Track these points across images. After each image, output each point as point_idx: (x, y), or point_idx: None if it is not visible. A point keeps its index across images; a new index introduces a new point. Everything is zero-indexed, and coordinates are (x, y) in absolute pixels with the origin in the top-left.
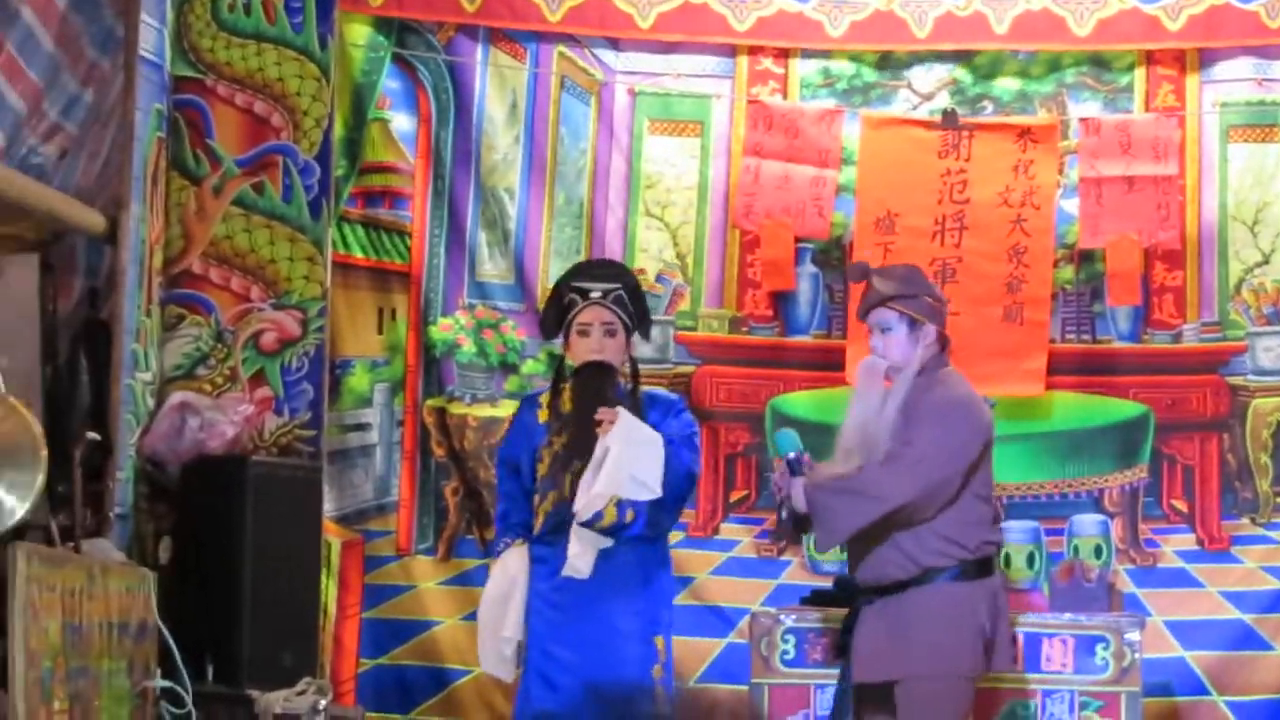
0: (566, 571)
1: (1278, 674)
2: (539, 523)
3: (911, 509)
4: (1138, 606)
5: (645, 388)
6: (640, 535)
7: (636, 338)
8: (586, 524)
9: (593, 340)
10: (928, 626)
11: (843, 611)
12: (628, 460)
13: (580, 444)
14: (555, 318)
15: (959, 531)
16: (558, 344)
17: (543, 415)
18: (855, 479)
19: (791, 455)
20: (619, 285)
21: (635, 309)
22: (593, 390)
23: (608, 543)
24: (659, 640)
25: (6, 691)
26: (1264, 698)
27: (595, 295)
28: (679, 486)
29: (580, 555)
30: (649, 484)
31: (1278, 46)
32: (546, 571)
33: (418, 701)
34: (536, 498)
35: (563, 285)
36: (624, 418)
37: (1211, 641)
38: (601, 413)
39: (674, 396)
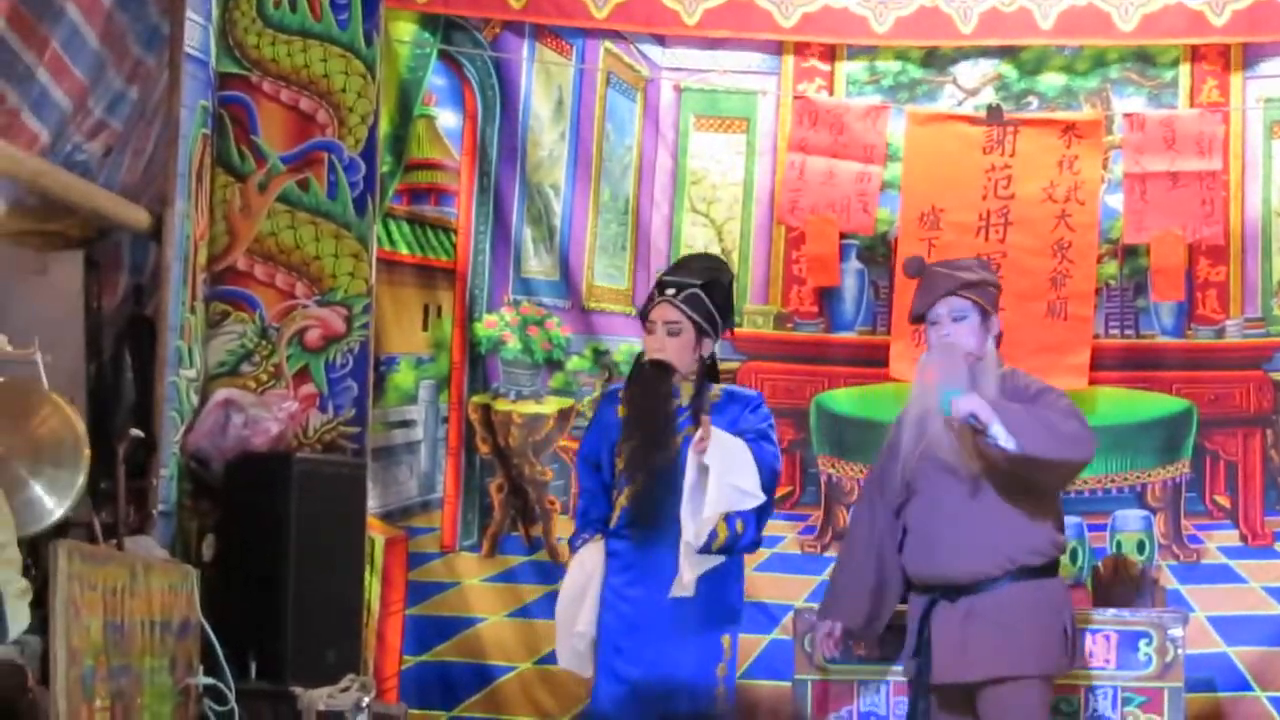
0: (676, 592)
1: None
2: (615, 517)
3: (1066, 472)
4: (1181, 602)
5: (724, 385)
6: (754, 542)
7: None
8: (703, 549)
9: (655, 338)
10: (1023, 625)
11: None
12: (727, 472)
13: (641, 441)
14: (643, 310)
15: (1050, 528)
16: (605, 339)
17: (622, 411)
18: (1048, 416)
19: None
20: (698, 283)
21: (716, 306)
22: (646, 390)
23: (719, 560)
24: (725, 639)
25: (48, 689)
26: None
27: (669, 293)
28: (770, 484)
29: (691, 577)
30: (751, 490)
31: None
32: (619, 565)
33: (461, 698)
34: (615, 492)
35: (658, 288)
36: (716, 433)
37: (1254, 637)
38: (697, 449)
39: (752, 392)
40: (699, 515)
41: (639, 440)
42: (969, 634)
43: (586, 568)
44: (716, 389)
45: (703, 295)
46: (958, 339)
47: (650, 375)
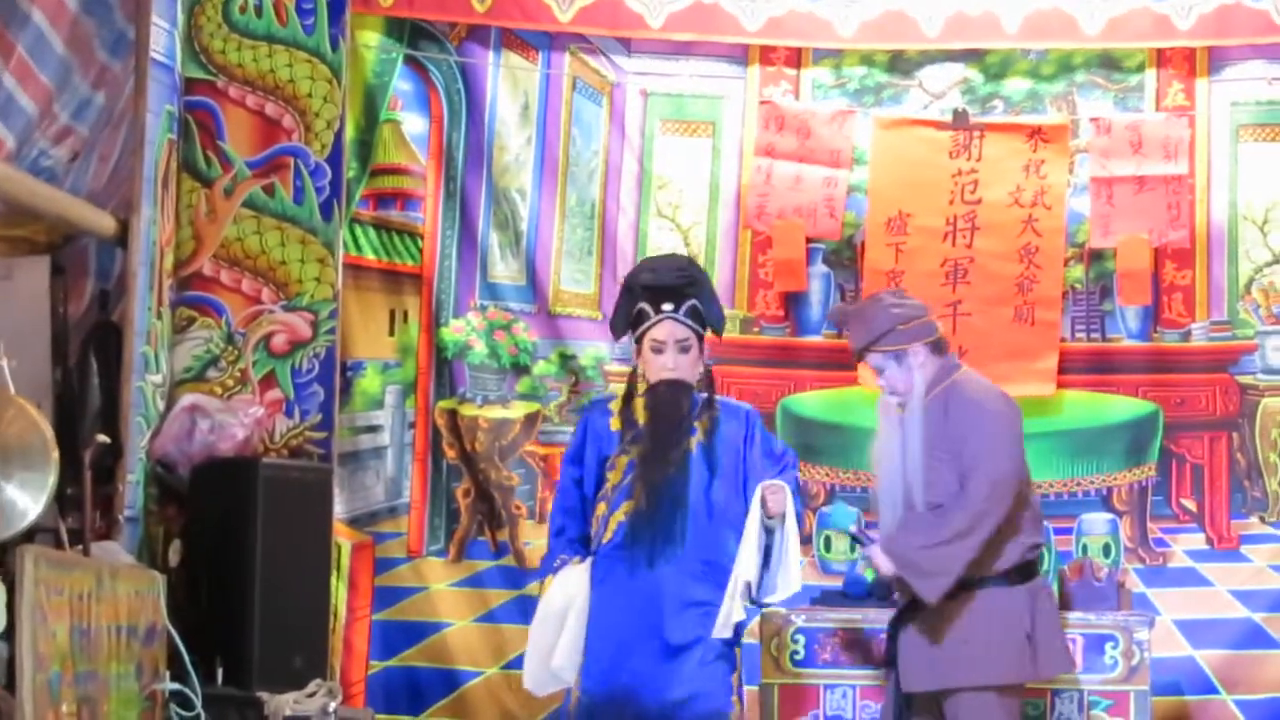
0: (720, 633)
1: None
2: (609, 532)
3: (1001, 518)
4: (1147, 605)
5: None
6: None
7: None
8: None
9: (667, 358)
10: (973, 635)
11: (853, 613)
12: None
13: (657, 461)
14: (624, 322)
15: (1005, 536)
16: (571, 344)
17: (614, 423)
18: (941, 528)
19: (852, 529)
20: (694, 296)
21: (709, 312)
22: (669, 407)
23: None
24: (736, 649)
25: (14, 695)
26: (1273, 696)
27: (668, 309)
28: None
29: (739, 619)
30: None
31: None
32: (616, 583)
33: (428, 703)
34: (602, 506)
35: (635, 290)
36: (787, 493)
37: (1220, 640)
38: (772, 501)
39: (743, 405)
40: (786, 575)
41: (652, 455)
42: (925, 645)
43: (569, 591)
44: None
45: (699, 305)
46: (891, 389)
47: (668, 396)
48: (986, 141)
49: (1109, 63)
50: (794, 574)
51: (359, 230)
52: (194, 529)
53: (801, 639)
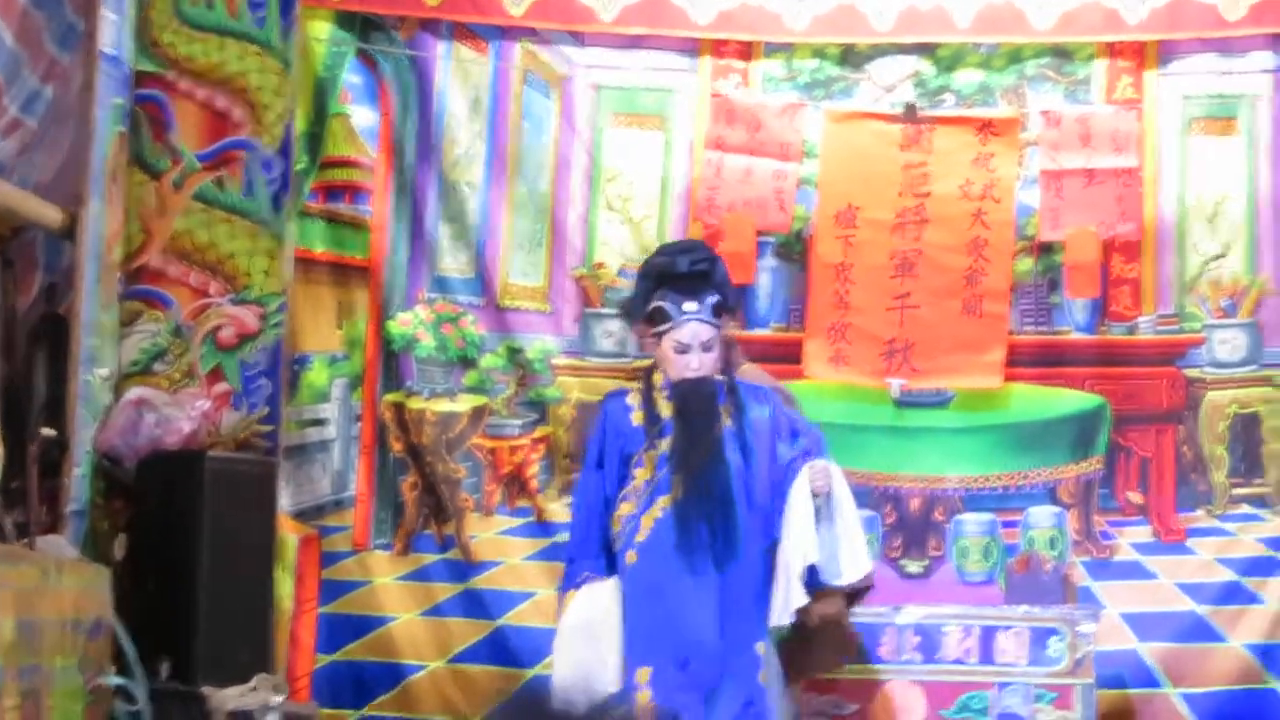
0: (779, 620)
1: (1231, 665)
2: (642, 532)
3: None
4: (1093, 599)
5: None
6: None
7: None
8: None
9: (691, 359)
10: None
11: None
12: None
13: (695, 452)
14: (641, 312)
15: None
16: (519, 337)
17: (637, 417)
18: None
19: None
20: (715, 290)
21: (726, 300)
22: (698, 400)
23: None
24: (760, 646)
25: None
26: (1217, 689)
27: (691, 309)
28: None
29: (800, 603)
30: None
31: (1237, 40)
32: (671, 582)
33: (373, 697)
34: (628, 505)
35: (654, 284)
36: (833, 471)
37: (1166, 633)
38: (819, 481)
39: (763, 385)
40: (854, 552)
41: (689, 447)
42: None
43: (601, 605)
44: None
45: (720, 299)
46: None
47: (695, 390)
48: (936, 135)
49: (1059, 56)
50: (862, 555)
51: (308, 223)
52: (140, 522)
53: None
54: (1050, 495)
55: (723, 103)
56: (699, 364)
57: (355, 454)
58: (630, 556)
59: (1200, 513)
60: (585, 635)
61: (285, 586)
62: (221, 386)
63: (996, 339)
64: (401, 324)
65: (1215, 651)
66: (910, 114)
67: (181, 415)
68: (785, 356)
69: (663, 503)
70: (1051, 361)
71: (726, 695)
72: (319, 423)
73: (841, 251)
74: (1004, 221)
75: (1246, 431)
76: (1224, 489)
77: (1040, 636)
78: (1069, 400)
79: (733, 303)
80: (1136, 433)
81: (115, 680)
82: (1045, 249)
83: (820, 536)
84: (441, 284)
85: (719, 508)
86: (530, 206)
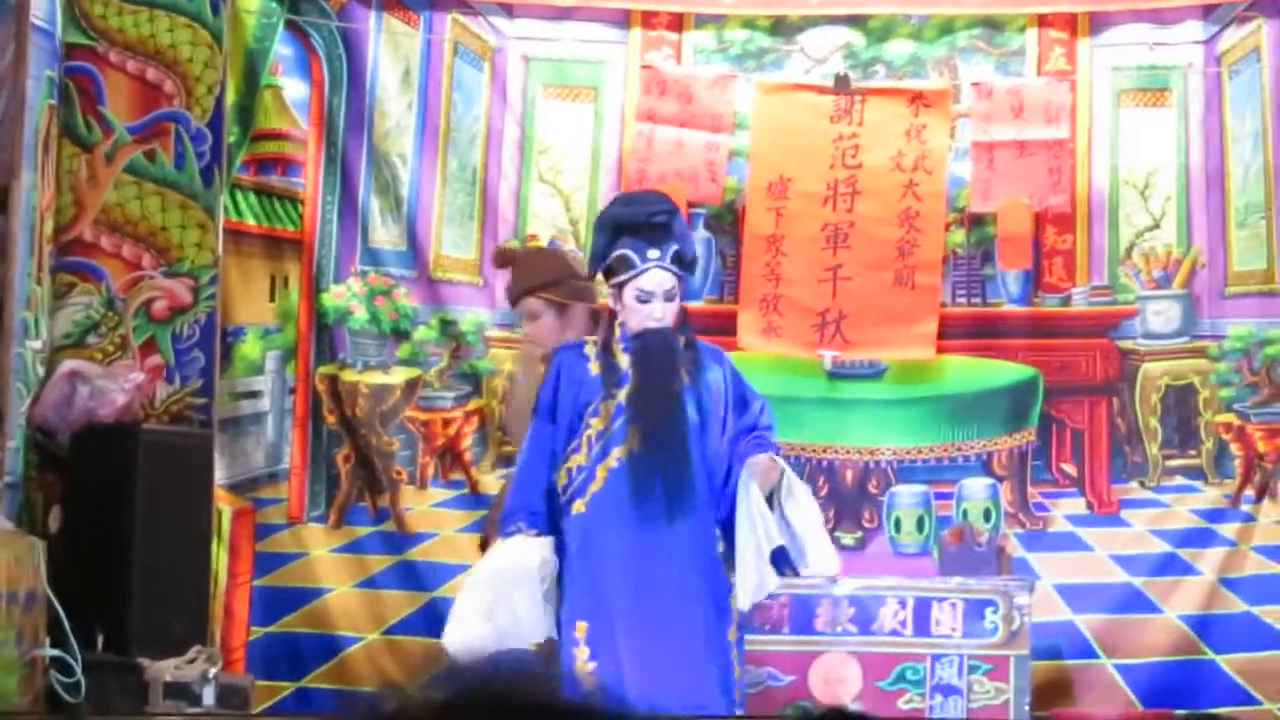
0: (755, 599)
1: (1166, 636)
2: (597, 483)
3: None
4: (1027, 570)
5: None
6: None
7: None
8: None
9: (654, 307)
10: None
11: None
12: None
13: (655, 402)
14: (600, 262)
15: None
16: (452, 309)
17: (594, 368)
18: None
19: None
20: (677, 241)
21: (687, 254)
22: (660, 351)
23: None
24: (732, 632)
25: None
26: (1152, 660)
27: (654, 256)
28: None
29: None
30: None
31: (1169, 10)
32: (616, 534)
33: (308, 669)
34: (579, 457)
35: (613, 235)
36: (780, 466)
37: (1100, 605)
38: (763, 481)
39: (716, 348)
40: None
41: (648, 397)
42: None
43: (527, 556)
44: None
45: (681, 250)
46: (540, 336)
47: (657, 340)
48: (868, 106)
49: (991, 26)
50: (828, 548)
51: (240, 195)
52: (74, 495)
53: None
54: (984, 467)
55: (653, 74)
56: (661, 313)
57: (289, 427)
58: (578, 506)
59: (1134, 484)
60: (501, 582)
61: (220, 559)
62: (155, 359)
63: (929, 311)
64: (334, 296)
65: (1150, 623)
66: (841, 85)
67: (115, 388)
68: (718, 328)
69: (618, 453)
70: (984, 333)
71: (681, 653)
72: (253, 395)
73: (773, 223)
74: (936, 193)
75: (1180, 403)
76: (1157, 461)
77: (975, 608)
78: (1002, 372)
79: (691, 256)
80: (1070, 404)
81: (50, 652)
82: (977, 221)
83: (779, 523)
84: (374, 256)
85: (675, 462)
86: (461, 179)
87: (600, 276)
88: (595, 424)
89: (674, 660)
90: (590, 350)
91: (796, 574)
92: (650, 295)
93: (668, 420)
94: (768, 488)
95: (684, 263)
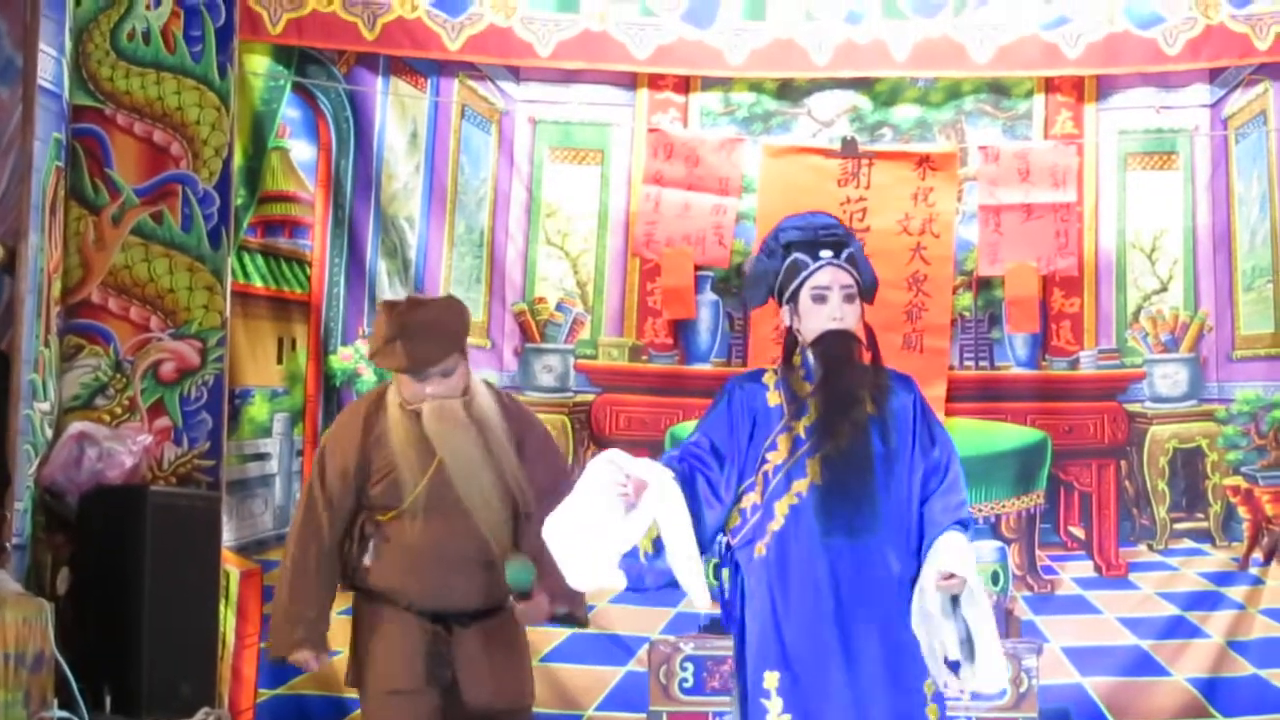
0: (985, 687)
1: (1174, 699)
2: (777, 520)
3: None
4: (1035, 633)
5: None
6: None
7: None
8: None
9: (833, 306)
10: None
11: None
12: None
13: (829, 424)
14: (767, 285)
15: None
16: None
17: (772, 398)
18: None
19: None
20: (849, 245)
21: (863, 271)
22: (842, 361)
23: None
24: (929, 685)
25: None
26: None
27: (827, 254)
28: None
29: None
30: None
31: (1176, 74)
32: (804, 574)
33: None
34: (753, 495)
35: (778, 245)
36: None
37: (1109, 668)
38: (949, 581)
39: (905, 375)
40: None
41: (830, 419)
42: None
43: (618, 469)
44: None
45: (856, 257)
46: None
47: (840, 348)
48: (875, 169)
49: (998, 90)
50: (999, 663)
51: (247, 258)
52: (82, 557)
53: (690, 667)
54: (992, 530)
55: (660, 137)
56: (840, 314)
57: (297, 488)
58: (759, 549)
59: (1142, 547)
60: (593, 482)
61: (228, 621)
62: (163, 421)
63: (937, 374)
64: (342, 359)
65: (1159, 685)
66: (848, 149)
67: (123, 450)
68: None
69: (799, 487)
70: (992, 396)
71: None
72: (260, 457)
73: None
74: (943, 256)
75: (1188, 466)
76: (1165, 524)
77: None
78: (1010, 435)
79: (871, 280)
80: (1078, 467)
81: (59, 714)
82: (985, 284)
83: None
84: None
85: (862, 491)
86: (469, 241)
87: (775, 301)
88: (773, 458)
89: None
90: (770, 379)
91: (957, 678)
92: (826, 291)
93: (852, 448)
94: (954, 591)
95: (860, 272)
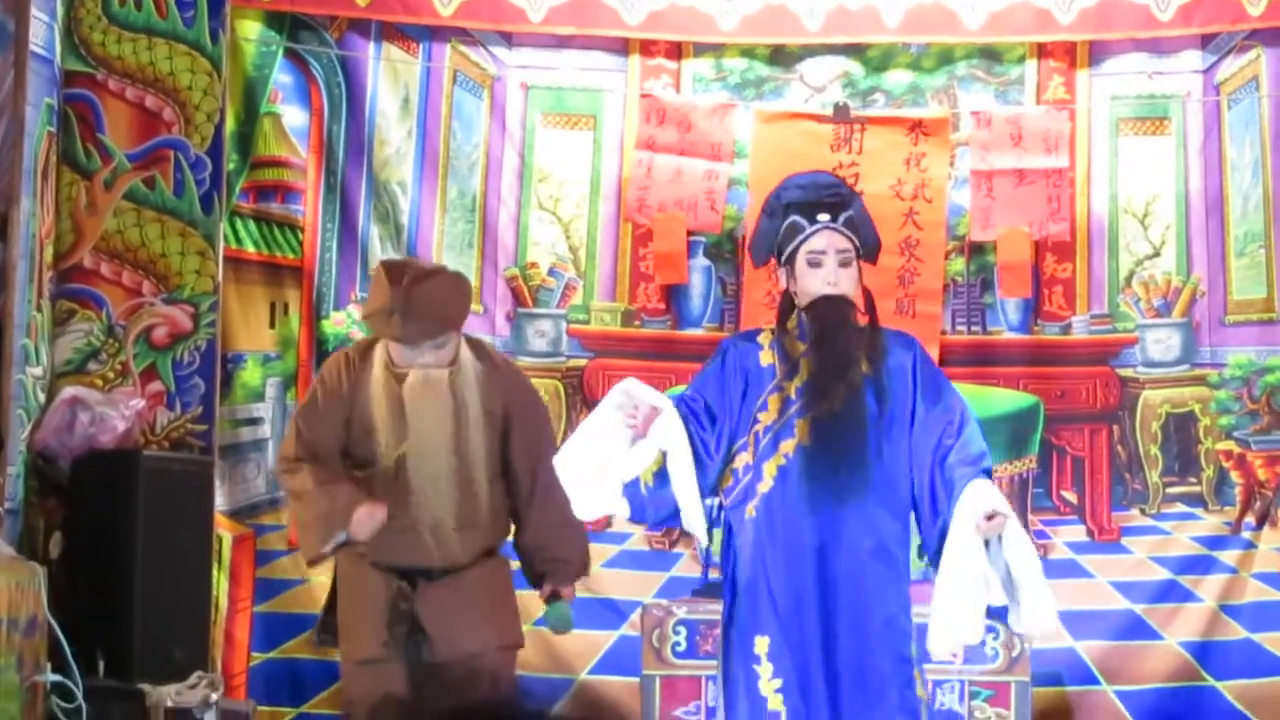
0: (953, 649)
1: (1166, 663)
2: (766, 481)
3: None
4: None
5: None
6: None
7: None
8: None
9: (827, 271)
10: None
11: None
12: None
13: (820, 385)
14: (769, 244)
15: None
16: None
17: (766, 357)
18: None
19: None
20: (850, 207)
21: (864, 233)
22: (836, 326)
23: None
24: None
25: None
26: (1153, 686)
27: (824, 218)
28: None
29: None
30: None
31: (1168, 40)
32: (789, 538)
33: (309, 695)
34: (746, 455)
35: (779, 204)
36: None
37: (1101, 631)
38: (993, 521)
39: (906, 334)
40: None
41: (820, 383)
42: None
43: (624, 397)
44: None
45: (855, 219)
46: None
47: (833, 313)
48: (867, 135)
49: (990, 56)
50: (1047, 604)
51: (239, 223)
52: (75, 521)
53: (683, 630)
54: None
55: (652, 102)
56: (835, 278)
57: None
58: (750, 510)
59: (1135, 511)
60: (600, 414)
61: (220, 585)
62: (155, 386)
63: (929, 339)
64: (335, 323)
65: (1151, 649)
66: (841, 114)
67: (116, 414)
68: None
69: (786, 448)
70: (984, 361)
71: (865, 679)
72: (253, 422)
73: None
74: (936, 222)
75: (1180, 431)
76: (1158, 488)
77: None
78: (1003, 400)
79: (874, 241)
80: (1070, 432)
81: (52, 678)
82: (977, 249)
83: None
84: None
85: (850, 455)
86: (461, 206)
87: (774, 263)
88: (764, 418)
89: (858, 683)
90: (765, 339)
91: (1006, 626)
92: (821, 255)
93: (843, 410)
94: (996, 531)
95: (860, 234)
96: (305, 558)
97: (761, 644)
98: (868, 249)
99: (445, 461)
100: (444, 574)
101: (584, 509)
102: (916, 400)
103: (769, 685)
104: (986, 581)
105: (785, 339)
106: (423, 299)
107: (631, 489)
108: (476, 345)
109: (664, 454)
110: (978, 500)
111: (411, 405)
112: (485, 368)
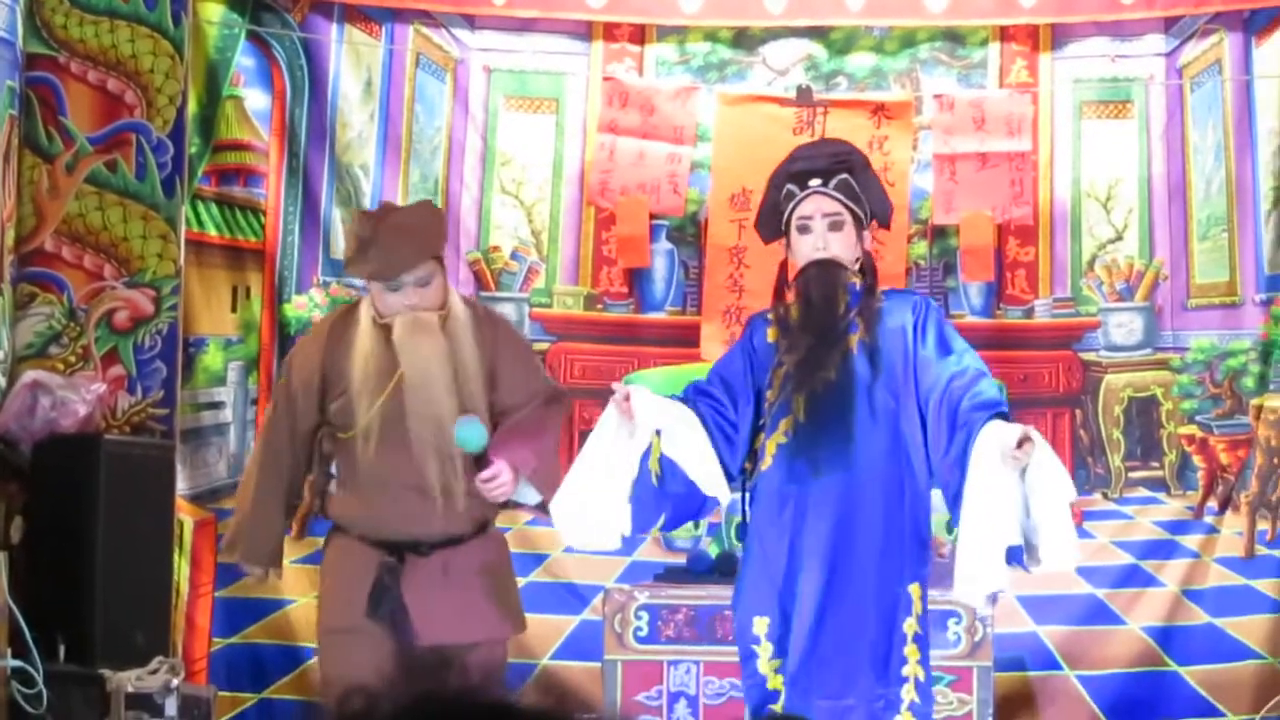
0: (978, 596)
1: (1129, 648)
2: (767, 459)
3: None
4: None
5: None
6: None
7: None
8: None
9: (815, 237)
10: None
11: (697, 589)
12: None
13: (811, 358)
14: (772, 217)
15: None
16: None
17: (771, 333)
18: None
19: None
20: (843, 168)
21: (866, 193)
22: (821, 293)
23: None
24: (914, 587)
25: None
26: (1115, 671)
27: (815, 183)
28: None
29: (998, 585)
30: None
31: (1131, 23)
32: (782, 519)
33: (271, 680)
34: (762, 435)
35: (778, 174)
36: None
37: (1064, 616)
38: (1023, 447)
39: (915, 293)
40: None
41: (808, 357)
42: None
43: (646, 413)
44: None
45: (852, 181)
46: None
47: (819, 278)
48: (830, 118)
49: (952, 39)
50: (1066, 538)
51: (201, 206)
52: (36, 505)
53: (645, 615)
54: None
55: (615, 86)
56: (824, 243)
57: (251, 437)
58: (761, 490)
59: (1097, 496)
60: (595, 456)
61: (182, 570)
62: (116, 370)
63: None
64: (297, 307)
65: (1114, 634)
66: (804, 97)
67: (77, 398)
68: (682, 339)
69: (785, 425)
70: None
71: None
72: (215, 406)
73: (736, 235)
74: (898, 205)
75: (1143, 415)
76: (1120, 472)
77: (938, 619)
78: None
79: (876, 201)
80: (1032, 416)
81: (12, 663)
82: (939, 233)
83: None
84: (336, 267)
85: (836, 431)
86: (424, 190)
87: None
88: (770, 395)
89: (849, 656)
90: (773, 314)
91: (1024, 569)
92: (808, 221)
93: (835, 380)
94: (1027, 461)
95: (856, 196)
96: (221, 556)
97: (760, 624)
98: (879, 212)
99: (446, 403)
100: (437, 548)
101: (603, 535)
102: (916, 356)
103: (769, 665)
104: (1014, 516)
105: (786, 313)
106: (394, 225)
107: (642, 488)
108: (465, 298)
109: (659, 433)
110: (1001, 434)
111: (402, 346)
112: (477, 314)
